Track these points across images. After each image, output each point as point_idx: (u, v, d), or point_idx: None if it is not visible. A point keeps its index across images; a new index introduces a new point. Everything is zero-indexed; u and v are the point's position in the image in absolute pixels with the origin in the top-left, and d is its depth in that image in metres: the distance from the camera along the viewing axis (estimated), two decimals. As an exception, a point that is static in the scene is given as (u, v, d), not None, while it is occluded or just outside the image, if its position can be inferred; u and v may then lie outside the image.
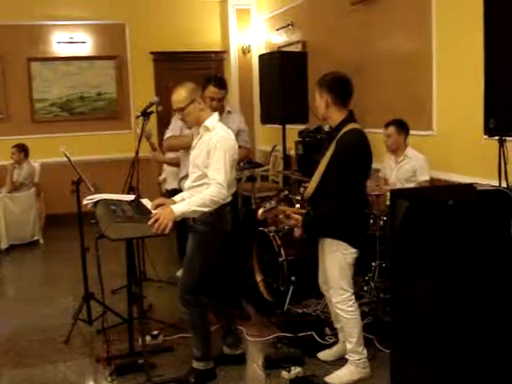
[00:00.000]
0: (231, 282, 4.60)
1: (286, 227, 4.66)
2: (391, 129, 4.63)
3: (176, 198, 3.68)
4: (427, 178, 4.57)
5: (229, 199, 3.52)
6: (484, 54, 3.03)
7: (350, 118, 3.43)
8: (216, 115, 3.56)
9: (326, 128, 5.76)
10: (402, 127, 4.63)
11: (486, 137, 3.13)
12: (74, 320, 4.42)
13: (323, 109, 3.45)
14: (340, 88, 3.41)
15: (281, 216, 3.49)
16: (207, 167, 3.38)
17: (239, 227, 4.48)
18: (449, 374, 2.95)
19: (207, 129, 3.46)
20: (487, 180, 3.39)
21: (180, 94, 3.48)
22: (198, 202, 3.29)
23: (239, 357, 3.88)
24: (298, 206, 3.52)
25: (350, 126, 3.37)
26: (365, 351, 3.53)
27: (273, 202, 3.39)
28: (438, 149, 4.79)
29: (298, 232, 3.77)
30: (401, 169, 4.66)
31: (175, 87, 3.55)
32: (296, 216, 3.41)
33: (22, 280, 6.10)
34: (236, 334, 3.93)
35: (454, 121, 4.66)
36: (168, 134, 4.58)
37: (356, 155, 3.33)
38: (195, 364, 3.62)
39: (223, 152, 3.36)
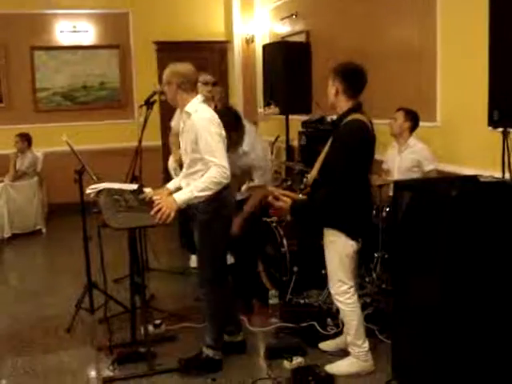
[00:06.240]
0: (242, 274, 4.62)
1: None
2: (399, 113, 4.65)
3: (169, 185, 3.67)
4: (433, 167, 4.52)
5: (228, 180, 3.40)
6: (488, 46, 3.00)
7: (356, 108, 3.36)
8: (198, 97, 3.49)
9: (329, 118, 5.75)
10: (410, 115, 4.61)
11: (490, 128, 3.12)
12: (77, 309, 4.43)
13: (332, 96, 3.39)
14: (353, 79, 3.35)
15: (270, 198, 3.43)
16: (197, 152, 3.35)
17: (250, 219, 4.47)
18: (449, 364, 2.95)
19: (188, 114, 3.43)
20: (491, 172, 3.38)
21: (164, 72, 3.52)
22: (199, 187, 3.26)
23: (239, 344, 3.86)
24: (300, 195, 3.49)
25: (354, 115, 3.32)
26: (365, 344, 3.48)
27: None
28: (442, 140, 4.76)
29: (288, 216, 3.65)
30: (403, 158, 4.64)
31: None
32: (285, 198, 3.36)
33: (25, 269, 6.12)
34: (237, 321, 3.91)
35: (458, 112, 4.64)
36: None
37: (353, 145, 3.26)
38: (205, 349, 3.64)
39: (207, 133, 3.31)
